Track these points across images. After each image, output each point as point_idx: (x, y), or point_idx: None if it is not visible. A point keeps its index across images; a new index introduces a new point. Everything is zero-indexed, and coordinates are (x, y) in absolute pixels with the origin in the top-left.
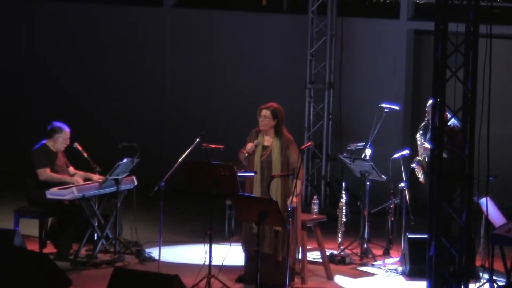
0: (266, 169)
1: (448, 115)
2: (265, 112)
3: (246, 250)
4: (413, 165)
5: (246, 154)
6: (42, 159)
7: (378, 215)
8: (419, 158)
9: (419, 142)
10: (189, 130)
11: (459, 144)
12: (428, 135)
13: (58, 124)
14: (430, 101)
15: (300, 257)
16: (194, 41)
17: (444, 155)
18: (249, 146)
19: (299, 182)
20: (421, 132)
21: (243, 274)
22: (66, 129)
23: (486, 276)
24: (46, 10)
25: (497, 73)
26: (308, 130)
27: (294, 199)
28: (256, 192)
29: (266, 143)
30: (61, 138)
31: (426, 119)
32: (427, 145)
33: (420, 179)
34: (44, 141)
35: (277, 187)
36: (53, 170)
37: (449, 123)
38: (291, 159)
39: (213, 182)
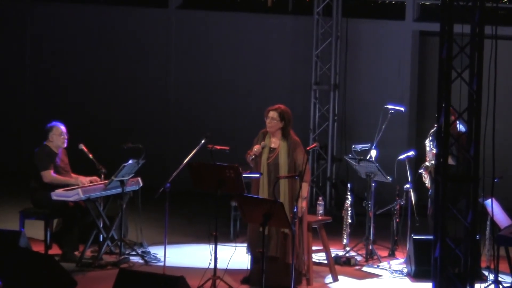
0: (273, 171)
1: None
2: (273, 114)
3: (252, 252)
4: (420, 171)
5: (253, 156)
6: (44, 161)
7: (384, 216)
8: (427, 164)
9: (428, 148)
10: (194, 132)
11: (465, 148)
12: None
13: (49, 124)
14: None
15: (305, 259)
16: (199, 42)
17: (452, 162)
18: (256, 148)
19: (305, 185)
20: (430, 138)
21: (249, 276)
22: (57, 125)
23: (491, 277)
24: (50, 13)
25: (502, 74)
26: (314, 131)
27: (303, 204)
28: (264, 194)
29: (273, 145)
30: (55, 135)
31: (436, 125)
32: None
33: (427, 185)
34: (45, 143)
35: (284, 189)
36: (56, 171)
37: (458, 129)
38: (298, 162)
39: (218, 183)
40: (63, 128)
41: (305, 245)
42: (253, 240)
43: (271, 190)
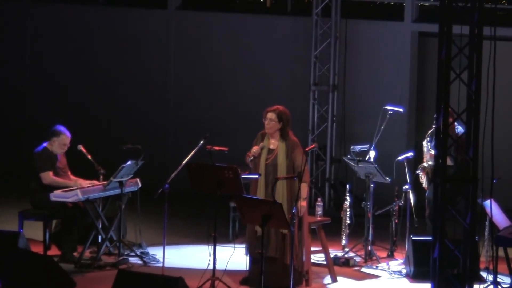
0: (272, 172)
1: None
2: (271, 115)
3: (250, 253)
4: (418, 171)
5: (252, 157)
6: (44, 162)
7: (382, 217)
8: (425, 164)
9: (425, 149)
10: (193, 132)
11: (463, 149)
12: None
13: (59, 127)
14: None
15: (304, 259)
16: (198, 43)
17: (450, 163)
18: (254, 149)
19: (305, 185)
20: (428, 139)
21: (248, 277)
22: (66, 134)
23: (490, 278)
24: (50, 13)
25: (501, 75)
26: (312, 132)
27: (303, 204)
28: (261, 195)
29: (271, 146)
30: (57, 142)
31: (434, 126)
32: (434, 152)
33: (424, 185)
34: (45, 144)
35: (282, 190)
36: (54, 173)
37: (457, 131)
38: (297, 163)
39: (217, 184)
40: (69, 139)
41: (305, 246)
42: (251, 241)
43: (269, 191)
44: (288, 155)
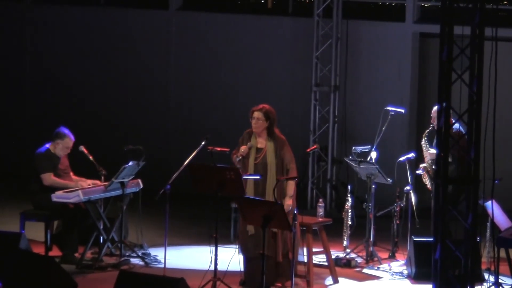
0: (262, 171)
1: (453, 120)
2: (257, 114)
3: (243, 253)
4: (419, 172)
5: (240, 157)
6: (45, 164)
7: (384, 218)
8: (425, 164)
9: (424, 148)
10: (195, 133)
11: (464, 148)
12: (435, 142)
13: (64, 130)
14: (435, 107)
15: (305, 260)
16: (199, 44)
17: (449, 159)
18: (243, 149)
19: (292, 183)
20: (425, 138)
21: (244, 277)
22: (70, 137)
23: (491, 279)
24: (50, 14)
25: (502, 76)
26: (314, 133)
27: (289, 202)
28: (251, 195)
29: (259, 145)
30: (61, 145)
31: (431, 125)
32: (432, 151)
33: (428, 186)
34: (47, 145)
35: (272, 189)
36: (56, 174)
37: (453, 127)
38: (286, 161)
39: (219, 185)
40: (72, 142)
41: (302, 245)
42: (243, 241)
43: (259, 190)
44: (277, 153)
